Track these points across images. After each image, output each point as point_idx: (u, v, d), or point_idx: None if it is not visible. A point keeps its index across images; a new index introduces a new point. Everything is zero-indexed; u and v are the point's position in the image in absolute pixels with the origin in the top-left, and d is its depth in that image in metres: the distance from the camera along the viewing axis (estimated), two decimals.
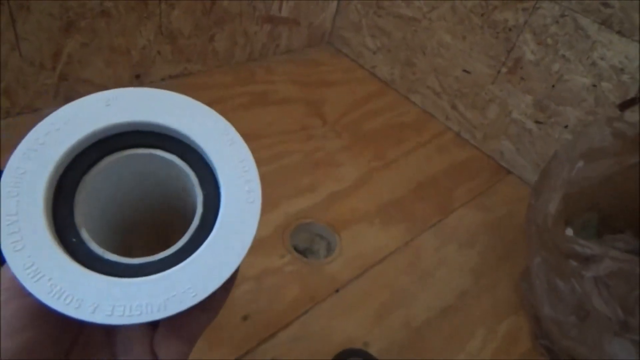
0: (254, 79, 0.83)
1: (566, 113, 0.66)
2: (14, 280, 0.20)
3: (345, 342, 0.49)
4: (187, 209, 0.24)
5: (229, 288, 0.24)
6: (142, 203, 0.27)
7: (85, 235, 0.22)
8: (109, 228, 0.25)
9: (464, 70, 0.77)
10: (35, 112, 0.65)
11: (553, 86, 0.66)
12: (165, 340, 0.24)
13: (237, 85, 0.80)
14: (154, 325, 0.24)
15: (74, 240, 0.21)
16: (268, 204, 0.61)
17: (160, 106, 0.23)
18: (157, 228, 0.28)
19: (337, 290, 0.54)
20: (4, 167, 0.21)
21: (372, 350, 0.48)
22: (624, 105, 0.60)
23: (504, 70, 0.71)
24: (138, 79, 0.73)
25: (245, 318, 0.49)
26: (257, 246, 0.56)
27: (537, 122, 0.70)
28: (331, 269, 0.56)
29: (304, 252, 0.58)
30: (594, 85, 0.62)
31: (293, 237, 0.59)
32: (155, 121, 0.23)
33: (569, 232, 0.51)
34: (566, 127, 0.67)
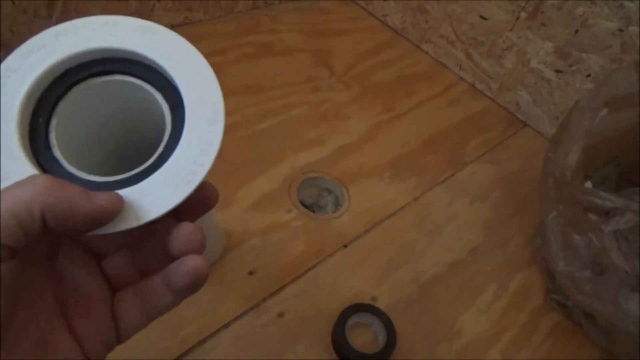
0: (259, 28, 0.79)
1: (589, 61, 0.62)
2: None
3: (352, 297, 0.48)
4: (157, 130, 0.24)
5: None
6: (116, 127, 0.28)
7: (58, 154, 0.22)
8: (87, 151, 0.26)
9: (481, 17, 0.72)
10: None
11: (576, 32, 0.62)
12: (130, 307, 0.23)
13: (240, 35, 0.76)
14: (111, 287, 0.23)
15: (49, 160, 0.22)
16: (274, 157, 0.59)
17: (129, 33, 0.24)
18: (131, 150, 0.28)
19: (345, 246, 0.53)
20: None
21: (380, 305, 0.47)
22: None
23: (523, 15, 0.67)
24: None
25: (251, 273, 0.48)
26: (263, 201, 0.55)
27: (556, 71, 0.66)
28: (339, 224, 0.55)
29: (310, 206, 0.57)
30: (621, 30, 0.58)
31: (300, 191, 0.57)
32: (123, 47, 0.24)
33: (588, 185, 0.48)
34: (588, 75, 0.63)
